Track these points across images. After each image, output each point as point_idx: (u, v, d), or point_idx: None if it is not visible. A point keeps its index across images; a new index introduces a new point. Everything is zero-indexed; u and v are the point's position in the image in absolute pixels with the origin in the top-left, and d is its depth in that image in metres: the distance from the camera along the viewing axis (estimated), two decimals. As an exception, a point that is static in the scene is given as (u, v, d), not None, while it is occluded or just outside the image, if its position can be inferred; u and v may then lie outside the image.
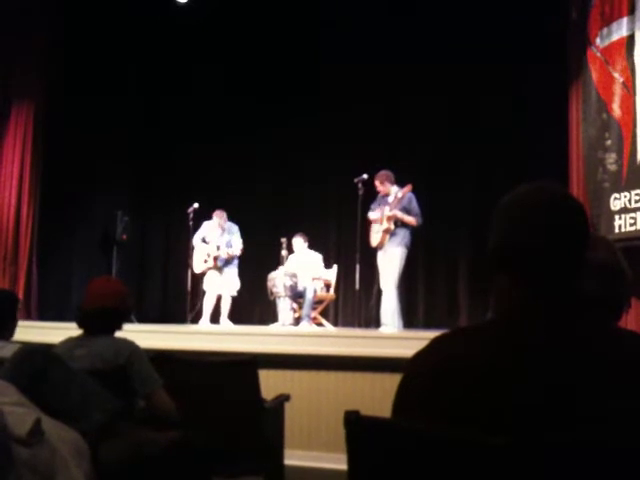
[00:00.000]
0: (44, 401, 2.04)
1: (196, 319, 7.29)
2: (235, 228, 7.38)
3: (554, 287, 1.14)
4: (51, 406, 2.05)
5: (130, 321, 3.10)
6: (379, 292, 6.49)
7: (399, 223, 6.26)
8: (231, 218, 7.45)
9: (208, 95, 8.59)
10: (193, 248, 7.47)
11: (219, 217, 7.36)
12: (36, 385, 2.14)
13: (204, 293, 7.35)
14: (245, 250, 7.44)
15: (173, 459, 2.43)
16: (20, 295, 6.93)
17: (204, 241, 7.38)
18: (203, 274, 7.37)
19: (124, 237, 8.32)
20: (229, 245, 7.25)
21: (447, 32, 7.41)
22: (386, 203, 6.38)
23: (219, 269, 7.22)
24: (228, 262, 7.26)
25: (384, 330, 6.05)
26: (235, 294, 7.30)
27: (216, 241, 7.27)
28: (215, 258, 7.21)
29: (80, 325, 2.78)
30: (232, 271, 7.31)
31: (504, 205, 1.21)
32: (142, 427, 2.53)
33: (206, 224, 7.44)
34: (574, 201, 1.19)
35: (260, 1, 8.00)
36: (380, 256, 6.40)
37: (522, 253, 1.16)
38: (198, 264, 7.37)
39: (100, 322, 2.75)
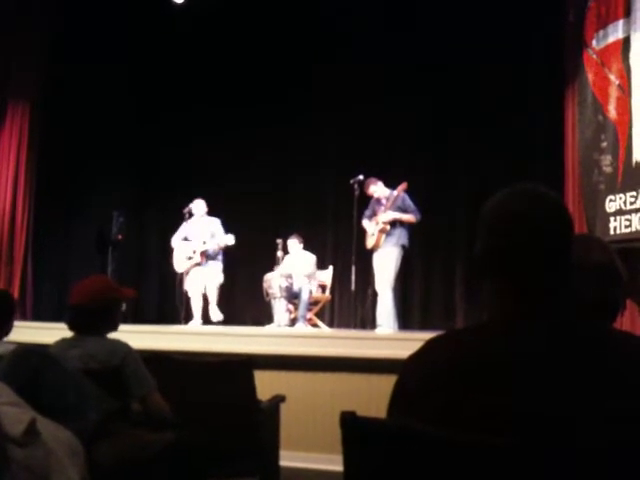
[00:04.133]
0: (39, 401, 2.04)
1: (187, 320, 7.22)
2: (217, 221, 7.22)
3: (544, 290, 1.14)
4: (46, 406, 2.04)
5: (124, 321, 3.08)
6: (375, 293, 6.50)
7: (397, 223, 6.26)
8: (227, 218, 7.39)
9: (205, 95, 8.57)
10: (172, 249, 7.30)
11: (197, 207, 7.22)
12: (31, 385, 2.13)
13: (187, 294, 7.19)
14: (241, 251, 7.38)
15: (168, 460, 2.42)
16: (15, 295, 6.90)
17: (186, 239, 7.21)
18: (186, 274, 7.19)
19: (120, 237, 8.30)
20: (213, 237, 7.09)
21: (445, 33, 7.41)
22: (380, 205, 6.39)
23: (202, 264, 7.05)
24: (214, 256, 7.09)
25: (380, 331, 6.06)
26: (218, 285, 7.12)
27: (199, 236, 7.10)
28: (203, 253, 7.03)
29: (66, 324, 2.78)
30: (217, 265, 7.11)
31: (488, 211, 1.21)
32: (137, 428, 2.53)
33: (184, 224, 7.29)
34: (557, 203, 1.19)
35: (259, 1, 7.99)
36: (376, 257, 6.41)
37: (508, 258, 1.16)
38: (180, 263, 7.18)
39: (76, 321, 2.74)
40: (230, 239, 6.99)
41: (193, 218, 7.23)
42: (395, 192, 6.29)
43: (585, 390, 1.01)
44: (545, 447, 0.94)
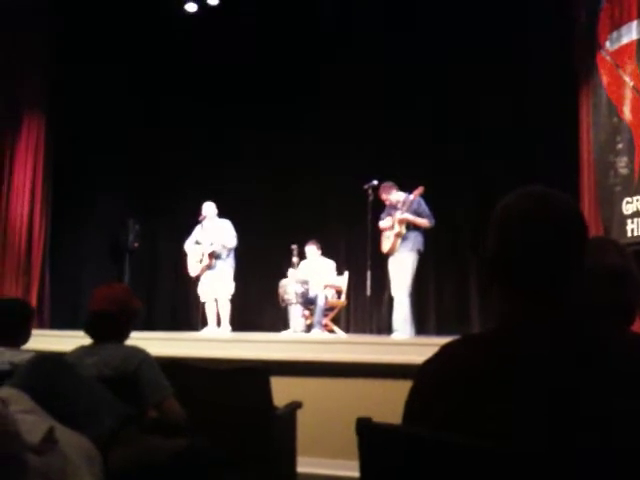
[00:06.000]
0: (56, 408, 2.05)
1: (203, 326, 7.22)
2: (227, 222, 7.20)
3: (555, 293, 1.13)
4: (62, 413, 2.06)
5: (137, 329, 3.09)
6: (390, 298, 6.47)
7: (411, 227, 6.24)
8: (239, 223, 7.39)
9: (214, 98, 8.57)
10: (186, 254, 7.31)
11: (208, 210, 7.23)
12: (47, 393, 2.14)
13: (198, 299, 7.21)
14: (256, 257, 7.34)
15: (183, 467, 2.42)
16: (33, 304, 6.96)
17: (197, 243, 7.21)
18: (198, 279, 7.19)
19: (135, 245, 8.34)
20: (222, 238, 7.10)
21: (451, 35, 7.38)
22: (396, 209, 6.37)
23: (214, 267, 7.03)
24: (222, 257, 7.05)
25: (396, 336, 6.03)
26: (230, 297, 7.12)
27: (208, 238, 7.10)
28: (210, 255, 7.01)
29: (84, 331, 2.80)
30: (227, 272, 7.09)
31: (498, 212, 1.20)
32: (152, 434, 2.53)
33: (198, 228, 7.30)
34: (569, 204, 1.17)
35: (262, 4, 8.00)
36: (391, 262, 6.38)
37: (519, 261, 1.15)
38: (193, 267, 7.19)
39: (98, 327, 2.75)
40: (232, 241, 7.03)
41: (205, 221, 7.25)
42: (411, 196, 6.26)
43: (588, 392, 1.00)
44: (551, 452, 0.93)
